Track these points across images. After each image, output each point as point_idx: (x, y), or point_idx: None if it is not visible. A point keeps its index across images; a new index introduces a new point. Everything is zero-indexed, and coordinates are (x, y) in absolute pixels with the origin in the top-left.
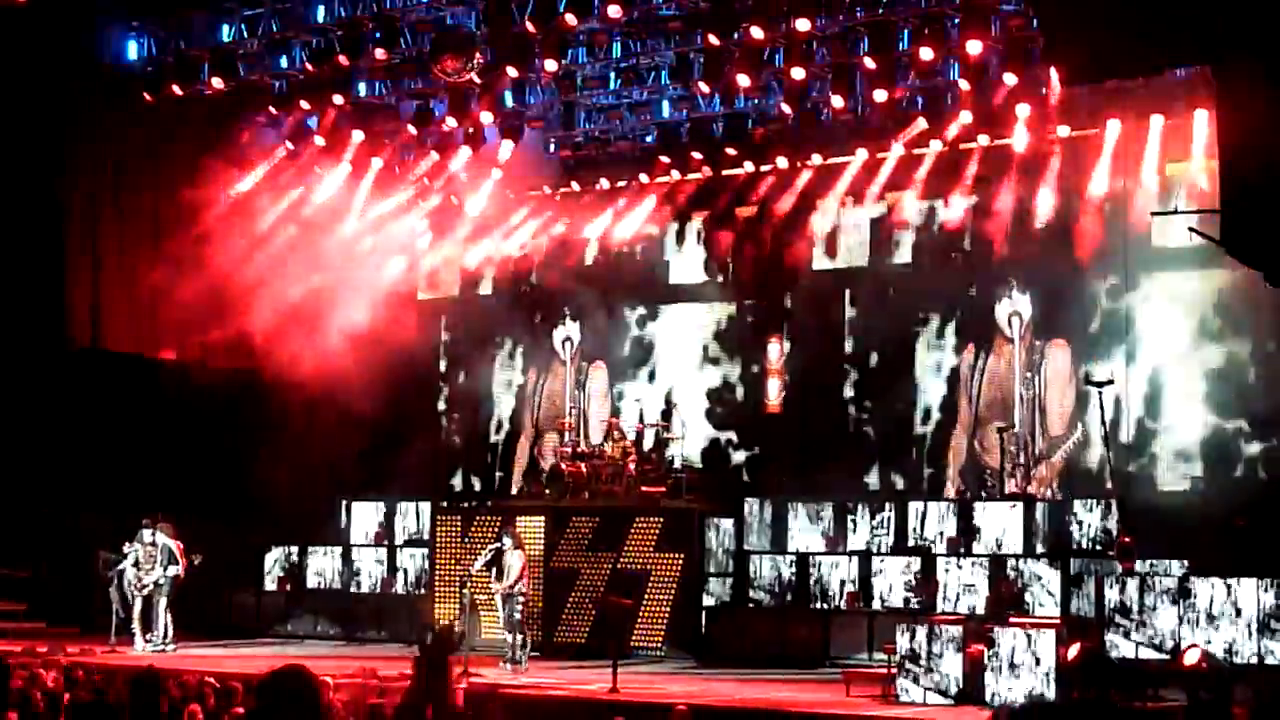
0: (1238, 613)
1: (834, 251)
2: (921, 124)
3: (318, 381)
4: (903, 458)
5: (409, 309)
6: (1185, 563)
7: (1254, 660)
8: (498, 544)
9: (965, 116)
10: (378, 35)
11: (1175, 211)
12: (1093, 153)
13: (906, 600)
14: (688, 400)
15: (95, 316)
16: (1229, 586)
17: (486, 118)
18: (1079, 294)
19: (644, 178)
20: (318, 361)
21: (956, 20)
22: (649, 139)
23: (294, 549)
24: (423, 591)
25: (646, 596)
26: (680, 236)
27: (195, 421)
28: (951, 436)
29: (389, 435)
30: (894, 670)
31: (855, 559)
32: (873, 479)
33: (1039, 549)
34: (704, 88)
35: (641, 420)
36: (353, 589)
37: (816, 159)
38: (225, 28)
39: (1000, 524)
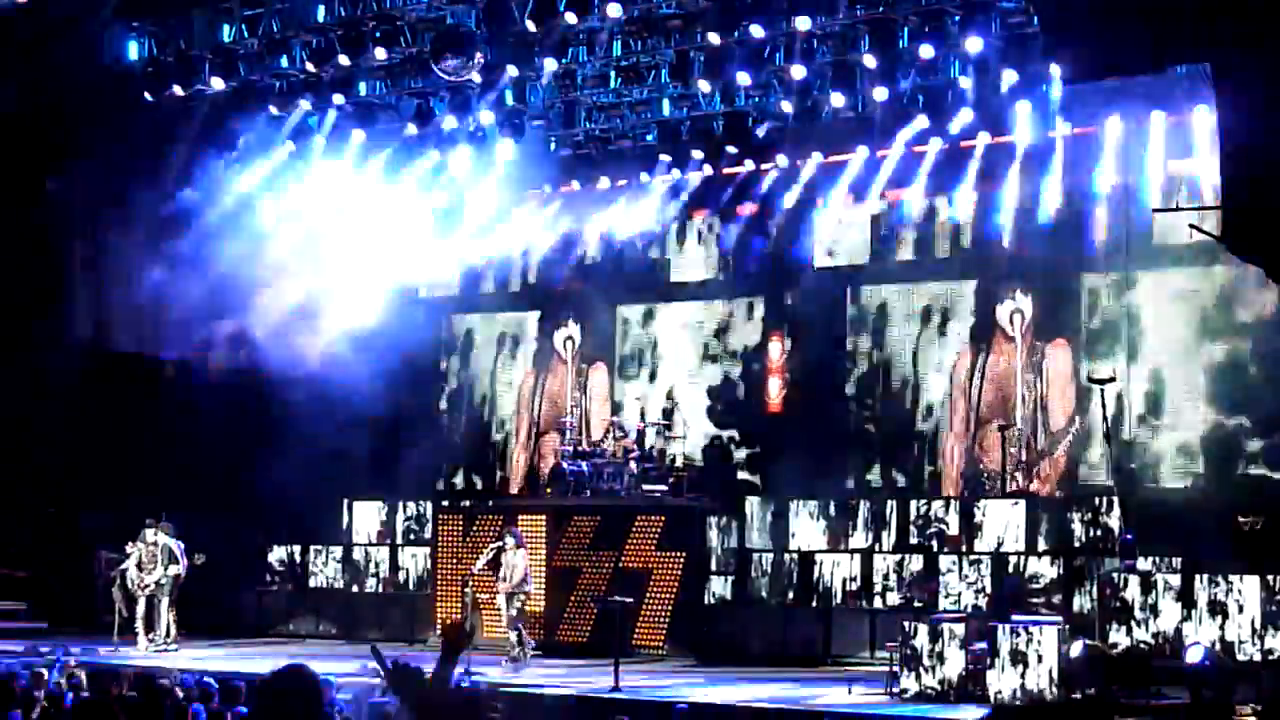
0: (1240, 610)
1: (835, 250)
2: (923, 121)
3: (319, 381)
4: (904, 456)
5: (410, 308)
6: (1186, 560)
7: (1256, 658)
8: (499, 543)
9: (966, 114)
10: (378, 34)
11: (1177, 209)
12: (1094, 150)
13: (909, 599)
14: (688, 399)
15: (96, 316)
16: (1231, 584)
17: (487, 116)
18: (1080, 292)
19: (644, 176)
20: (319, 361)
21: (957, 18)
22: (649, 137)
23: (296, 548)
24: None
25: (648, 595)
26: (681, 235)
27: (196, 421)
28: (952, 435)
29: (390, 435)
30: (895, 668)
31: (857, 557)
32: (874, 477)
33: (1040, 547)
34: (704, 86)
35: (642, 419)
36: (355, 588)
37: (817, 157)
38: (225, 27)
39: (1002, 522)
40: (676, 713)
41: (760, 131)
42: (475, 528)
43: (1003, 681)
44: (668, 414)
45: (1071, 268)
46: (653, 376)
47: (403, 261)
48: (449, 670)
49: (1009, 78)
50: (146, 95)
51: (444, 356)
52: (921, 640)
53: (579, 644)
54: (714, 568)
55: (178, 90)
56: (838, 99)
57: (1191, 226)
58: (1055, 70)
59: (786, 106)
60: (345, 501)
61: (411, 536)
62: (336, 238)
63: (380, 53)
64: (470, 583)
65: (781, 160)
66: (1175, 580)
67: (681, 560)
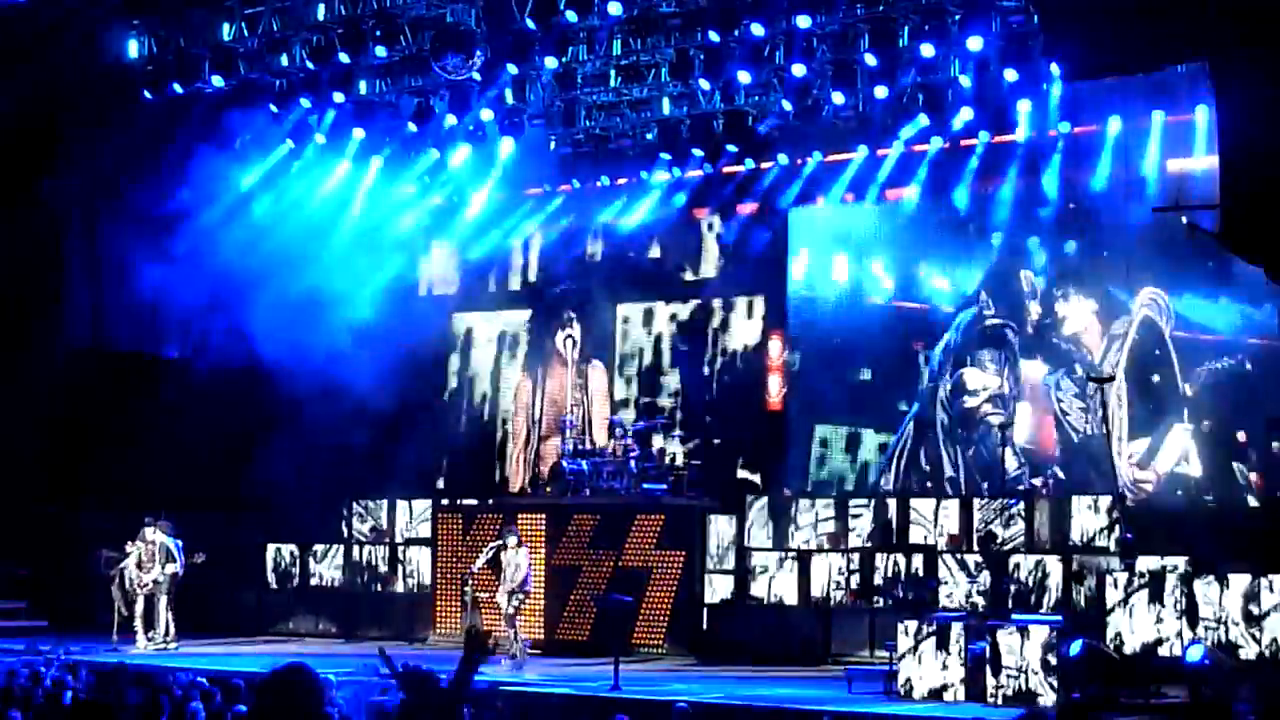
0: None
1: (837, 252)
2: (923, 120)
3: (319, 380)
4: (905, 454)
5: (410, 307)
6: (1187, 559)
7: (1256, 657)
8: (499, 542)
9: (967, 113)
10: (378, 33)
11: (1177, 207)
12: (1094, 149)
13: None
14: (689, 397)
15: (96, 314)
16: (1231, 583)
17: (487, 115)
18: (1081, 290)
19: (644, 175)
20: (319, 360)
21: (957, 16)
22: (650, 136)
23: (296, 547)
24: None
25: (648, 594)
26: (681, 233)
27: (196, 420)
28: (954, 432)
29: (391, 433)
30: (895, 667)
31: (857, 556)
32: (875, 475)
33: (1041, 545)
34: (704, 85)
35: (643, 417)
36: (355, 587)
37: (818, 155)
38: (225, 25)
39: (1003, 520)
40: (676, 712)
41: (762, 128)
42: (475, 527)
43: (1002, 680)
44: (668, 412)
45: (1072, 266)
46: (654, 374)
47: (403, 260)
48: (469, 675)
49: (1009, 76)
50: (146, 93)
51: (444, 355)
52: (921, 639)
53: (579, 643)
54: (713, 567)
55: (177, 88)
56: (838, 97)
57: (1191, 225)
58: (1055, 68)
59: (786, 105)
60: (345, 500)
61: (411, 535)
62: (336, 236)
63: (380, 51)
64: (470, 581)
65: (782, 158)
66: (1175, 579)
67: (681, 559)
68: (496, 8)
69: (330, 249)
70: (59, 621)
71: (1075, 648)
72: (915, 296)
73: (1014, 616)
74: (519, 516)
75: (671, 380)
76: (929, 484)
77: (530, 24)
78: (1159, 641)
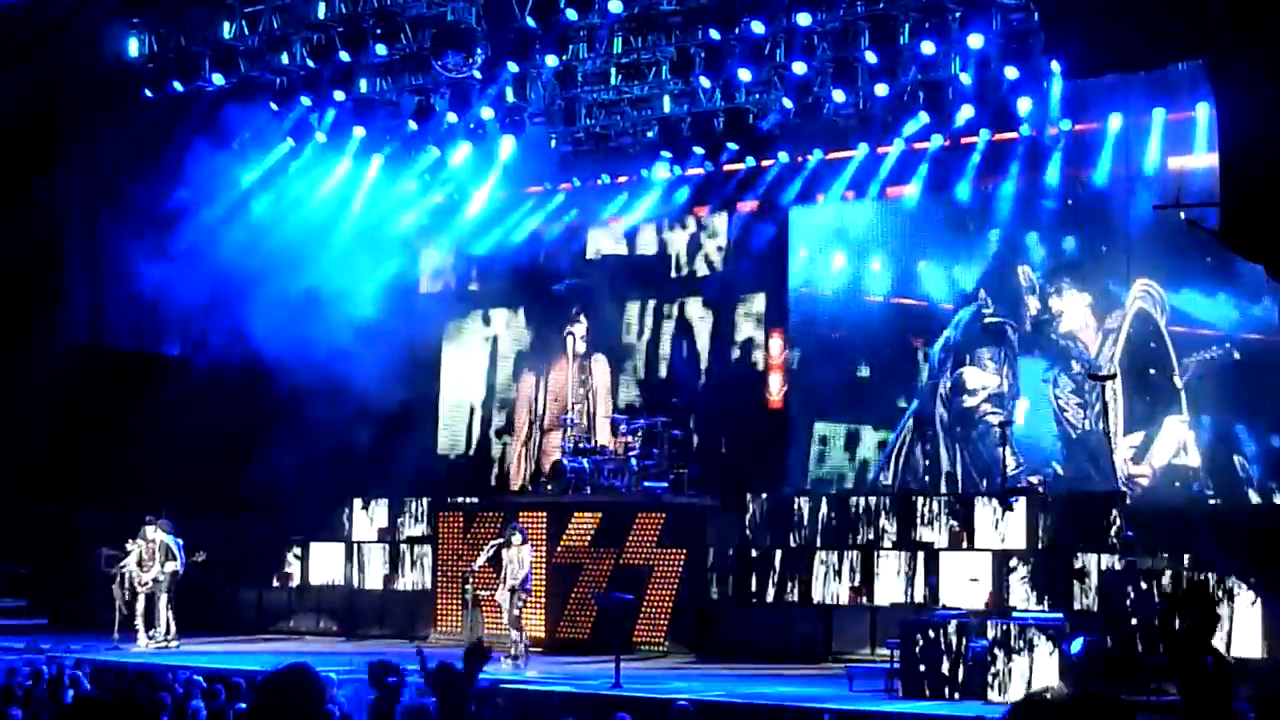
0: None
1: (837, 249)
2: (923, 118)
3: (320, 378)
4: (904, 451)
5: (411, 304)
6: (1187, 557)
7: (1257, 655)
8: (499, 540)
9: (967, 110)
10: (378, 31)
11: (1178, 205)
12: (1095, 146)
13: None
14: (690, 394)
15: (95, 312)
16: (1231, 580)
17: (488, 113)
18: (1074, 284)
19: (645, 173)
20: (319, 358)
21: (957, 14)
22: (650, 134)
23: (297, 546)
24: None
25: (649, 592)
26: (681, 231)
27: (196, 418)
28: (953, 430)
29: (391, 431)
30: (896, 665)
31: (858, 553)
32: (874, 473)
33: (1041, 544)
34: (705, 82)
35: (643, 415)
36: (356, 586)
37: (818, 153)
38: (226, 24)
39: (1003, 518)
40: (677, 710)
41: (764, 125)
42: (476, 525)
43: (1003, 679)
44: (669, 410)
45: (1073, 264)
46: (654, 372)
47: (403, 258)
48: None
49: (1010, 74)
50: (146, 91)
51: (444, 353)
52: (922, 637)
53: (579, 641)
54: (714, 565)
55: (178, 86)
56: (838, 95)
57: (1191, 223)
58: (1055, 66)
59: (787, 103)
60: (346, 498)
61: (412, 533)
62: (337, 234)
63: (380, 49)
64: (471, 579)
65: (782, 156)
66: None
67: (682, 557)
68: (497, 6)
69: (331, 247)
70: (60, 620)
71: (1076, 646)
72: (914, 293)
73: (1015, 615)
74: (519, 515)
75: (672, 378)
76: (927, 480)
77: (531, 22)
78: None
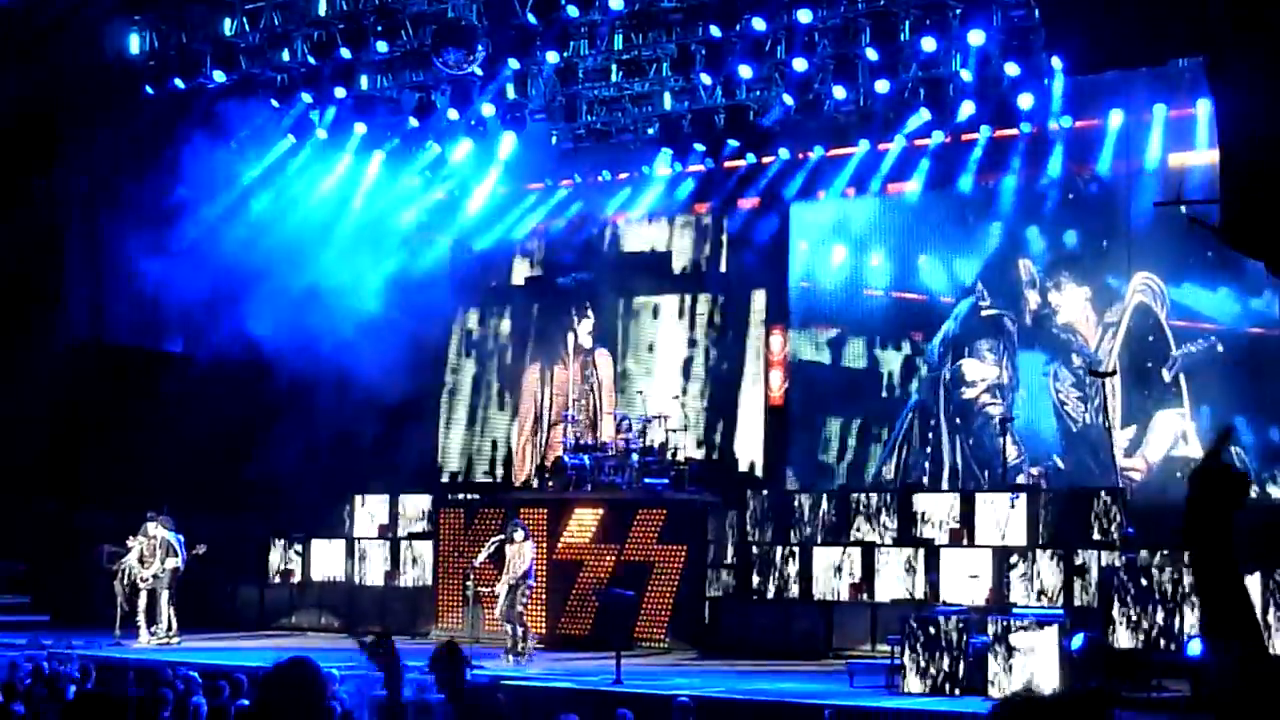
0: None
1: (837, 244)
2: (924, 114)
3: (321, 374)
4: (906, 444)
5: (412, 300)
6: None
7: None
8: (501, 536)
9: (968, 107)
10: (379, 28)
11: (1178, 202)
12: (1096, 143)
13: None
14: (691, 391)
15: (96, 309)
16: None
17: (488, 110)
18: (1074, 278)
19: (646, 169)
20: (320, 354)
21: (958, 10)
22: (651, 131)
23: (298, 542)
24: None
25: (650, 588)
26: (682, 227)
27: (197, 414)
28: (954, 421)
29: (393, 428)
30: (897, 661)
31: (859, 549)
32: (876, 466)
33: (1042, 540)
34: (706, 79)
35: (645, 411)
36: (357, 582)
37: (819, 150)
38: (227, 21)
39: (1003, 515)
40: (677, 706)
41: (765, 121)
42: (477, 521)
43: (1003, 675)
44: (670, 406)
45: (1073, 261)
46: (655, 369)
47: (404, 254)
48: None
49: (1010, 70)
50: (147, 88)
51: (446, 349)
52: (922, 634)
53: (580, 637)
54: (715, 561)
55: (179, 83)
56: (839, 92)
57: (1191, 220)
58: (1056, 62)
59: (788, 99)
60: (347, 494)
61: (413, 530)
62: (338, 230)
63: (381, 46)
64: (472, 576)
65: (783, 153)
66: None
67: (683, 554)
68: (498, 2)
69: (332, 244)
70: (61, 617)
71: (1077, 642)
72: (914, 287)
73: (1015, 610)
74: (521, 511)
75: (673, 374)
76: (928, 468)
77: (531, 18)
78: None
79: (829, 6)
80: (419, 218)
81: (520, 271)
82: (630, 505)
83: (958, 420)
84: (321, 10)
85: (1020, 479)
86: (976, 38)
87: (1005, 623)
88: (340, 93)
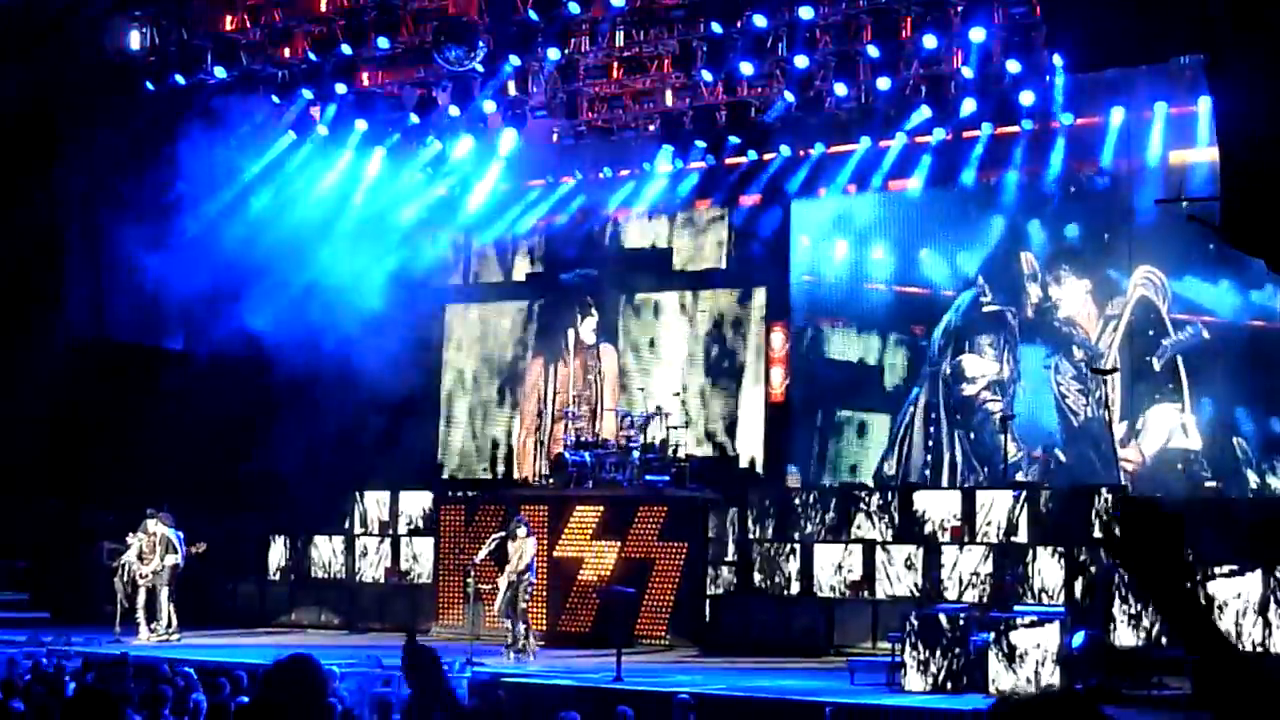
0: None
1: (839, 239)
2: (925, 112)
3: (321, 371)
4: (909, 440)
5: (413, 297)
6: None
7: (1259, 649)
8: (502, 532)
9: (969, 104)
10: (380, 24)
11: (1179, 199)
12: (1097, 140)
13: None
14: (692, 388)
15: (97, 305)
16: (1230, 574)
17: (489, 106)
18: (1074, 271)
19: (647, 166)
20: (321, 351)
21: (959, 8)
22: (652, 127)
23: (298, 538)
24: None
25: (650, 585)
26: (684, 224)
27: (198, 411)
28: (954, 417)
29: (394, 424)
30: (897, 659)
31: (860, 546)
32: (877, 462)
33: (1042, 537)
34: (707, 76)
35: (646, 408)
36: (357, 578)
37: (820, 146)
38: (227, 17)
39: (1004, 512)
40: (678, 703)
41: (767, 118)
42: (478, 518)
43: (1004, 672)
44: (671, 403)
45: (1074, 259)
46: (656, 366)
47: (406, 250)
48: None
49: (1012, 67)
50: (148, 84)
51: (447, 345)
52: (923, 631)
53: (581, 634)
54: (716, 558)
55: (179, 79)
56: (841, 89)
57: (1191, 218)
58: (1057, 60)
59: (789, 96)
60: (347, 491)
61: (414, 527)
62: (339, 227)
63: (382, 42)
64: (473, 573)
65: (784, 150)
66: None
67: (684, 551)
68: None
69: (332, 240)
70: (61, 613)
71: (1078, 639)
72: (916, 281)
73: (1016, 608)
74: (521, 507)
75: (675, 370)
76: (930, 462)
77: (533, 15)
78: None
79: (830, 3)
80: (420, 214)
81: (522, 268)
82: (631, 502)
83: (958, 416)
84: (322, 6)
85: (1020, 474)
86: (978, 35)
87: (1006, 620)
88: (341, 89)
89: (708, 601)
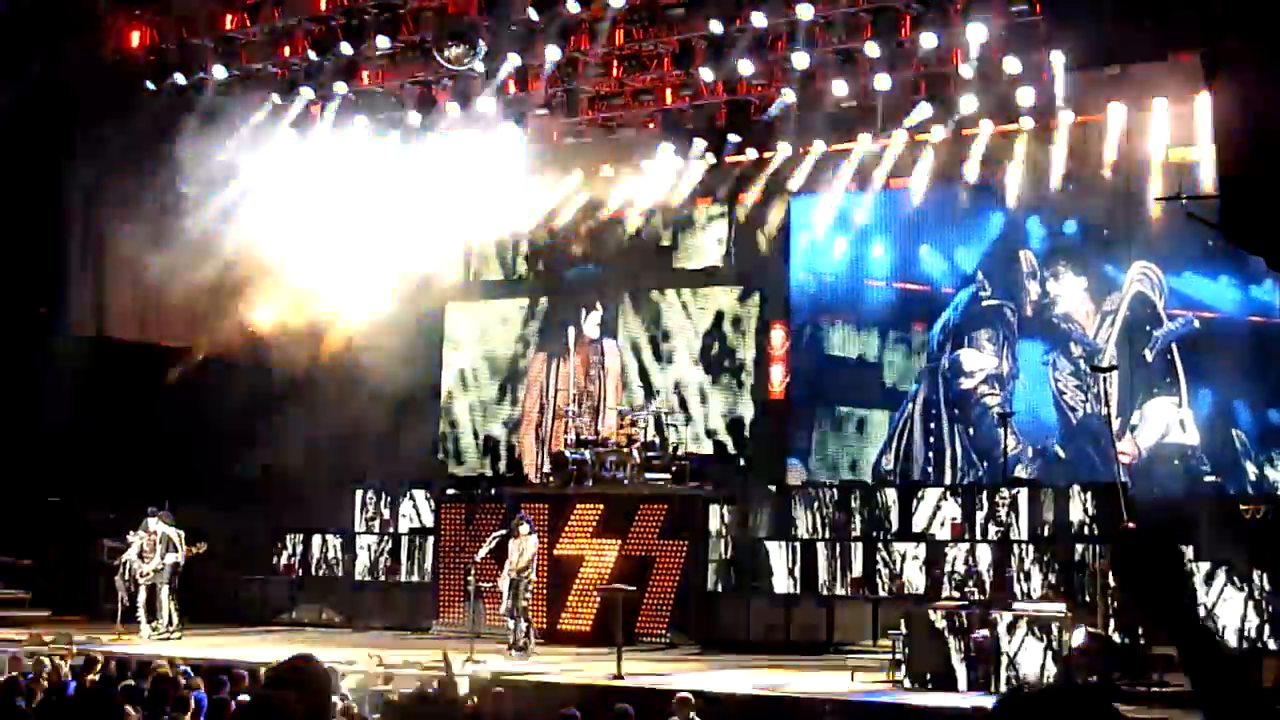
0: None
1: (839, 237)
2: (925, 110)
3: (324, 368)
4: (908, 436)
5: (414, 295)
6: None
7: (1260, 647)
8: (503, 530)
9: (969, 102)
10: (380, 23)
11: (1179, 197)
12: (1097, 137)
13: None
14: (692, 385)
15: (99, 304)
16: (1231, 572)
17: (490, 105)
18: (1071, 268)
19: (647, 164)
20: (324, 348)
21: (959, 5)
22: (652, 126)
23: (299, 536)
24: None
25: (651, 583)
26: (684, 223)
27: (199, 409)
28: (953, 412)
29: (395, 422)
30: (898, 656)
31: (860, 544)
32: (876, 458)
33: (1042, 534)
34: (707, 74)
35: (646, 406)
36: (358, 577)
37: (820, 145)
38: (228, 16)
39: (1004, 510)
40: (678, 701)
41: (767, 117)
42: (478, 516)
43: (1005, 670)
44: (671, 401)
45: (1074, 257)
46: (656, 363)
47: (407, 249)
48: None
49: (1012, 65)
50: (149, 84)
51: (448, 343)
52: (923, 628)
53: (581, 633)
54: (716, 556)
55: (180, 79)
56: (840, 87)
57: (1190, 215)
58: (1057, 57)
59: (789, 95)
60: (349, 489)
61: (414, 525)
62: (339, 226)
63: (382, 41)
64: (473, 571)
65: (784, 148)
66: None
67: (684, 549)
68: None
69: (334, 238)
70: (62, 611)
71: (1078, 637)
72: (916, 278)
73: (1016, 605)
74: (522, 506)
75: (675, 368)
76: (931, 458)
77: (533, 14)
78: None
79: (830, 2)
80: (420, 212)
81: (522, 267)
82: (632, 500)
83: (956, 411)
84: (322, 5)
85: (1020, 469)
86: (977, 33)
87: (1006, 618)
88: (341, 88)
89: (708, 599)
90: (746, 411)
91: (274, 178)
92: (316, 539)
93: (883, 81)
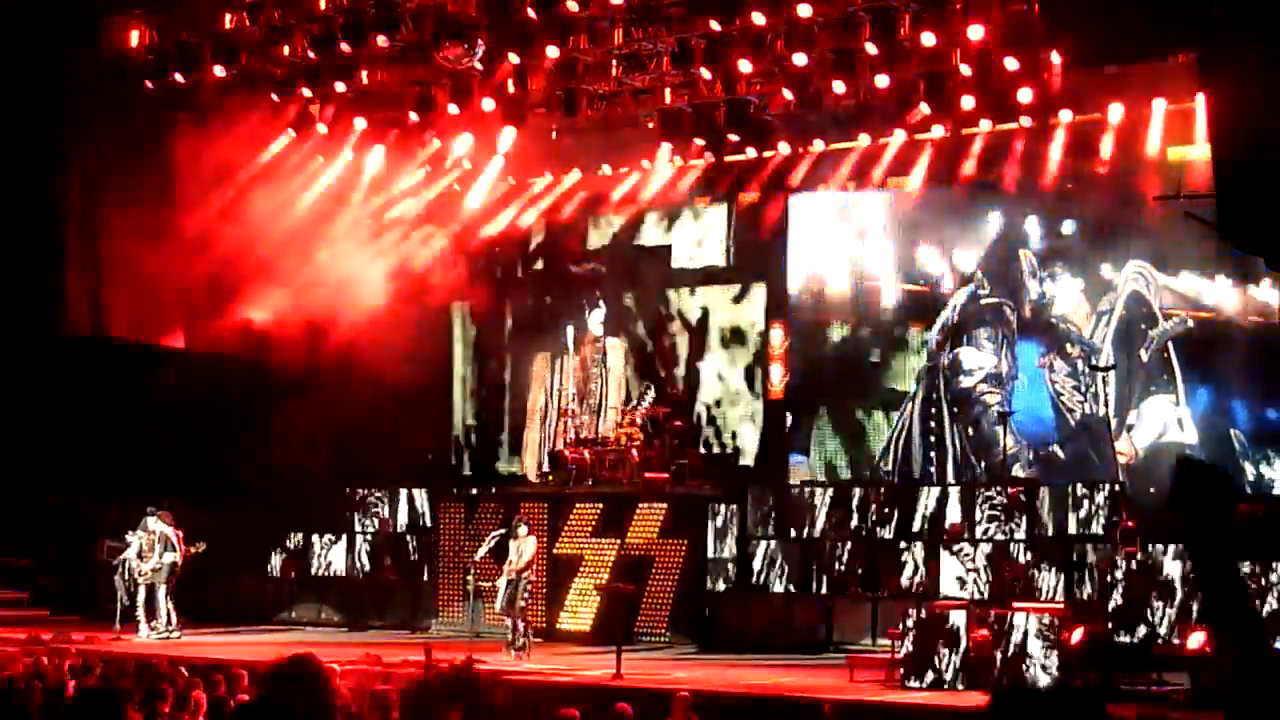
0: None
1: (838, 234)
2: (924, 109)
3: (323, 367)
4: (907, 435)
5: (413, 294)
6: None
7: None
8: (503, 530)
9: (968, 101)
10: (380, 22)
11: (1178, 196)
12: (1095, 137)
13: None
14: (692, 385)
15: (96, 303)
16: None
17: (488, 104)
18: (1068, 268)
19: (646, 164)
20: (323, 347)
21: (958, 5)
22: (651, 125)
23: (299, 536)
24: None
25: (650, 582)
26: (684, 222)
27: (199, 408)
28: (952, 410)
29: (395, 421)
30: (897, 655)
31: (860, 543)
32: (876, 457)
33: (1041, 533)
34: (706, 73)
35: (646, 406)
36: (357, 576)
37: (819, 144)
38: (227, 15)
39: (1003, 508)
40: (678, 700)
41: (766, 116)
42: (478, 515)
43: (1004, 668)
44: (669, 401)
45: (1073, 255)
46: (656, 363)
47: (406, 248)
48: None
49: (1010, 64)
50: (147, 82)
51: (449, 342)
52: (922, 627)
53: (581, 632)
54: (716, 555)
55: (179, 78)
56: (839, 86)
57: (1188, 214)
58: (1056, 57)
59: (788, 94)
60: (348, 488)
61: (414, 524)
62: (338, 224)
63: (381, 40)
64: (473, 570)
65: (783, 147)
66: (1176, 567)
67: (683, 548)
68: None
69: (332, 237)
70: (61, 611)
71: (1077, 635)
72: (915, 278)
73: (1015, 604)
74: (521, 505)
75: (675, 368)
76: (932, 458)
77: (531, 13)
78: (1161, 628)
79: (829, 1)
80: (420, 211)
81: (520, 266)
82: (631, 499)
83: (956, 410)
84: (321, 4)
85: (1018, 468)
86: (976, 32)
87: (1005, 616)
88: (340, 87)
89: (707, 598)
90: (746, 411)
91: (272, 176)
92: (316, 538)
93: (882, 80)
